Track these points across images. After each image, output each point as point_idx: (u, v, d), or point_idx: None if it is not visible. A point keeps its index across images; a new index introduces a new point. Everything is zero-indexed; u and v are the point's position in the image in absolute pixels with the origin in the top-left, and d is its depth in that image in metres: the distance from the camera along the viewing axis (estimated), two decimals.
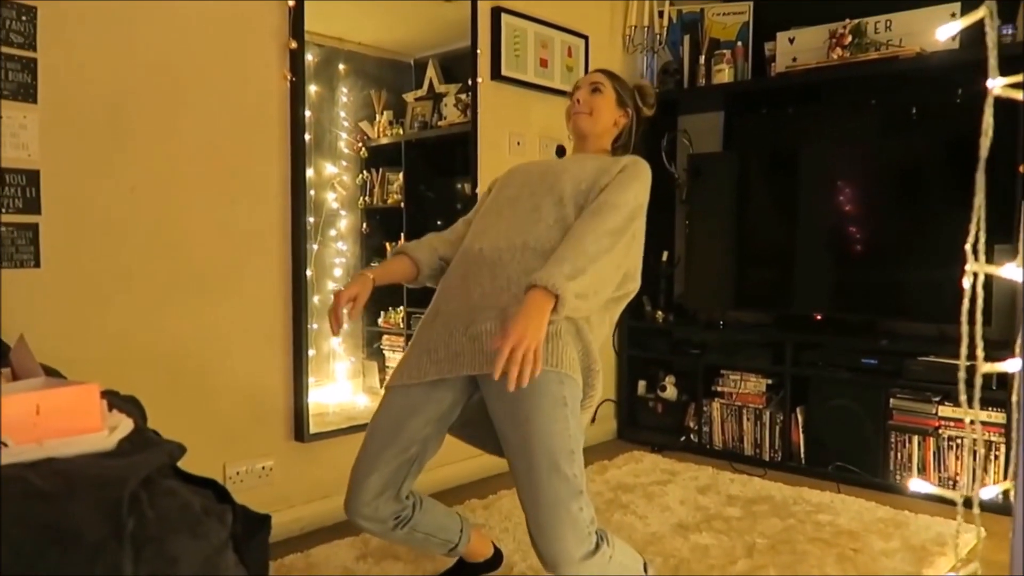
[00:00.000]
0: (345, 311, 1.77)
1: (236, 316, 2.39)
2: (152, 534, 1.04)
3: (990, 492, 0.69)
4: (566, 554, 1.56)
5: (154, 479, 1.13)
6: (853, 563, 2.28)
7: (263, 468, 2.45)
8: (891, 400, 3.04)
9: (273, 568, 2.17)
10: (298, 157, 2.57)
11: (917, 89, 3.24)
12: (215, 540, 1.13)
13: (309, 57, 2.73)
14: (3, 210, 1.89)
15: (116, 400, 1.41)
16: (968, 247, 0.56)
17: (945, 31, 0.62)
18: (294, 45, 2.47)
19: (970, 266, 0.56)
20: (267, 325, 2.48)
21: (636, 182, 1.77)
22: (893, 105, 3.32)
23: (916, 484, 0.60)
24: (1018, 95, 0.58)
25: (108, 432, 1.19)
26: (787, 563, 2.27)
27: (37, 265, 1.95)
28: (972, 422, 0.65)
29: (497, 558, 2.17)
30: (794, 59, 3.41)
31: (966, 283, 0.57)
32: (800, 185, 3.50)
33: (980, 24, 0.59)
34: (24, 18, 1.91)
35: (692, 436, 3.62)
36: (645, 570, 1.75)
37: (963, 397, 0.66)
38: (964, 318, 0.58)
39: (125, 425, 1.24)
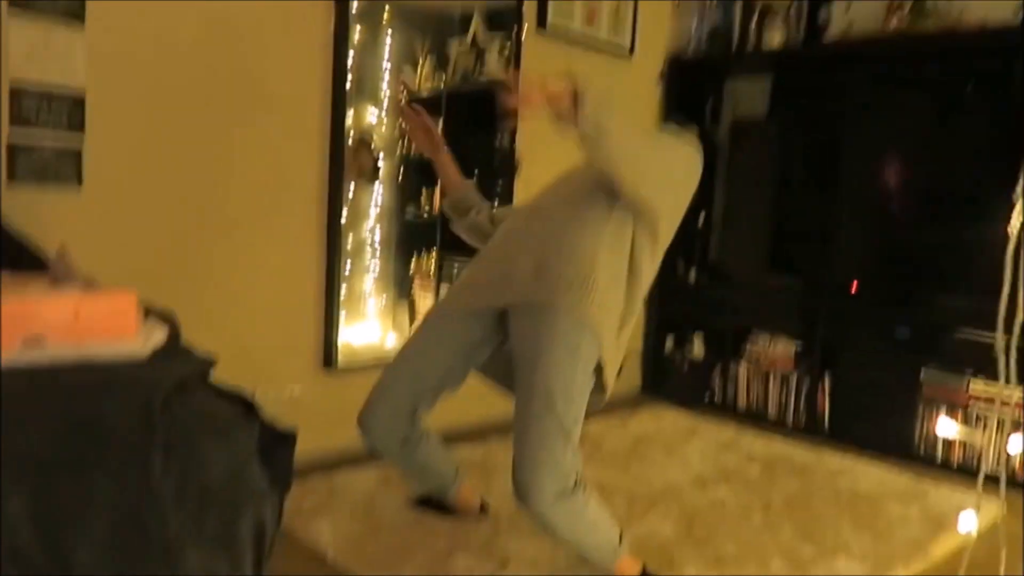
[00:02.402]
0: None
1: (273, 248, 2.44)
2: (182, 437, 1.08)
3: (1016, 446, 0.68)
4: (538, 487, 1.61)
5: (186, 387, 1.17)
6: (869, 527, 2.28)
7: (291, 395, 2.51)
8: (922, 372, 3.00)
9: (297, 489, 2.23)
10: (339, 100, 2.58)
11: (975, 63, 3.12)
12: (242, 449, 1.17)
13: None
14: (49, 129, 1.93)
15: (153, 312, 1.45)
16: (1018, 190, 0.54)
17: None
18: None
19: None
20: (303, 259, 2.53)
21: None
22: (949, 78, 3.20)
23: (944, 425, 0.59)
24: None
25: (143, 339, 1.23)
26: (802, 522, 2.28)
27: (79, 184, 2.00)
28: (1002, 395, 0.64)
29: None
30: (849, 26, 3.31)
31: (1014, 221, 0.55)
32: (846, 154, 3.43)
33: None
34: None
35: (716, 396, 3.62)
36: (620, 540, 1.79)
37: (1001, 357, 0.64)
38: (1008, 265, 0.56)
39: (159, 334, 1.28)
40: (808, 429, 3.30)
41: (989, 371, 2.77)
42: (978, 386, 2.86)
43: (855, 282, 3.31)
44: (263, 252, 2.42)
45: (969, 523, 0.62)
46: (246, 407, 1.24)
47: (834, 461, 2.88)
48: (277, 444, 1.28)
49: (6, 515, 0.91)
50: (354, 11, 2.66)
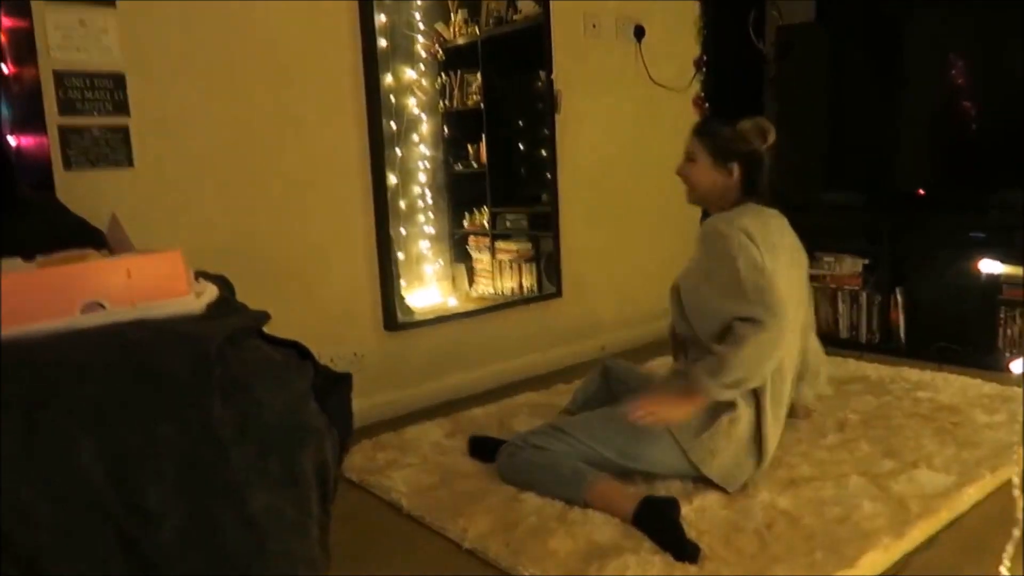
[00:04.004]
0: None
1: (324, 216, 2.47)
2: (239, 381, 1.11)
3: None
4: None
5: (240, 337, 1.20)
6: (952, 436, 2.20)
7: (355, 355, 2.56)
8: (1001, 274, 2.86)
9: (369, 445, 2.30)
10: (370, 61, 2.56)
11: None
12: (297, 389, 1.20)
13: None
14: (95, 113, 1.99)
15: (206, 275, 1.49)
16: None
17: None
18: None
19: None
20: (353, 228, 2.56)
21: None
22: None
23: (987, 264, 0.54)
24: None
25: (196, 297, 1.26)
26: (880, 436, 2.22)
27: (131, 165, 2.06)
28: None
29: None
30: None
31: None
32: (904, 56, 3.25)
33: None
34: None
35: None
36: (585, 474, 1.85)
37: None
38: None
39: (211, 292, 1.32)
40: (883, 347, 3.20)
41: None
42: None
43: (920, 190, 3.18)
44: (314, 221, 2.45)
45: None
46: (300, 353, 1.27)
47: (913, 375, 2.79)
48: (333, 386, 1.31)
49: (81, 459, 0.96)
50: None
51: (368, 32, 2.54)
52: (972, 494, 1.87)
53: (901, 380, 2.74)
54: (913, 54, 3.22)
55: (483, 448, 2.18)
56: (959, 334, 2.97)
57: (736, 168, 1.97)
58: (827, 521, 1.75)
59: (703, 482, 1.91)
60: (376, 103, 2.59)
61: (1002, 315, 2.87)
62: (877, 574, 1.60)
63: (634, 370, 2.35)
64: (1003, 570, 0.64)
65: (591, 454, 1.90)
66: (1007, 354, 2.86)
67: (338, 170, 2.51)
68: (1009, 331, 2.86)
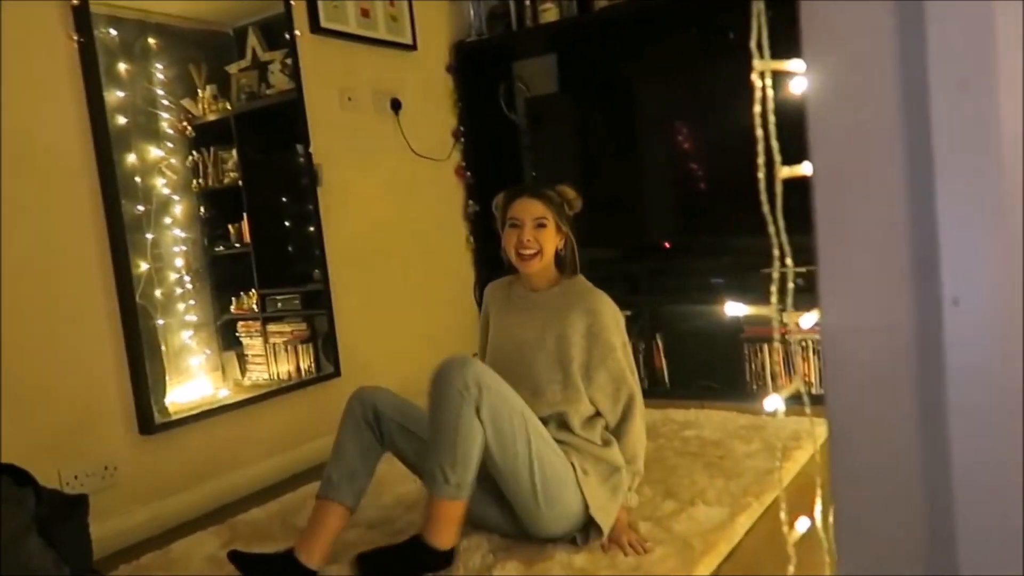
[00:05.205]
0: None
1: (56, 317, 2.17)
2: None
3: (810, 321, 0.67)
4: None
5: None
6: (720, 468, 2.36)
7: (105, 468, 2.24)
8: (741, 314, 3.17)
9: (129, 570, 2.00)
10: (102, 142, 2.34)
11: (734, 10, 3.29)
12: (13, 524, 1.00)
13: (113, 32, 2.53)
14: None
15: None
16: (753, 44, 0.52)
17: None
18: (76, 1, 2.22)
19: (757, 63, 0.52)
20: (95, 322, 2.28)
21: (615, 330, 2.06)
22: (711, 30, 3.35)
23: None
24: None
25: None
26: (659, 478, 2.32)
27: None
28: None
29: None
30: None
31: (755, 80, 0.52)
32: (639, 118, 3.56)
33: None
34: None
35: None
36: None
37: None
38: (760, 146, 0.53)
39: None
40: (652, 390, 3.40)
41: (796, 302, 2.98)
42: (790, 318, 3.06)
43: (666, 243, 3.47)
44: (46, 323, 2.15)
45: (775, 404, 0.63)
46: (17, 478, 1.07)
47: (679, 415, 2.98)
48: (65, 513, 1.11)
49: None
50: (114, 44, 2.46)
51: (97, 112, 2.32)
52: (743, 522, 2.00)
53: (670, 421, 2.92)
54: (645, 120, 3.54)
55: (251, 566, 1.82)
56: (714, 372, 3.24)
57: (565, 236, 2.06)
58: (622, 571, 1.77)
59: (506, 549, 1.87)
60: (113, 185, 2.36)
61: (746, 351, 3.17)
62: None
63: (399, 402, 2.16)
64: None
65: None
66: (755, 386, 3.16)
67: (73, 259, 2.24)
68: (753, 365, 3.17)
